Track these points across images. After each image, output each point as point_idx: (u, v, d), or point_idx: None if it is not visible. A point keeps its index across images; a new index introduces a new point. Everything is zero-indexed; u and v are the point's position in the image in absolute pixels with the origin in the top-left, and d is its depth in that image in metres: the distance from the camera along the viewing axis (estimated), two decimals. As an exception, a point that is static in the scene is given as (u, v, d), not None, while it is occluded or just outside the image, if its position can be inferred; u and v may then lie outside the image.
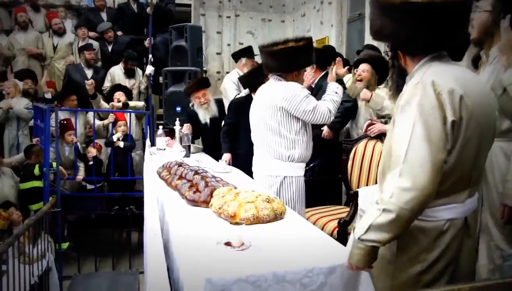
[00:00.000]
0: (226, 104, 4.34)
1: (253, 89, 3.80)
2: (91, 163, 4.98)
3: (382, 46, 4.46)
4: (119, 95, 5.39)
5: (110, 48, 6.36)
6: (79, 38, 6.33)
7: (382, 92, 3.53)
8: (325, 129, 3.71)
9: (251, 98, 3.47)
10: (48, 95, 5.66)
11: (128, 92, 5.55)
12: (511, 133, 2.13)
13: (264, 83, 3.57)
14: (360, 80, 3.56)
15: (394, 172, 1.38)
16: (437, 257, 1.49)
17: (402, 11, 1.42)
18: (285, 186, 2.72)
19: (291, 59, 2.68)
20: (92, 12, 6.75)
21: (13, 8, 6.30)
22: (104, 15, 6.69)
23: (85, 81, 5.28)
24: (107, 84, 5.94)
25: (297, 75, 2.78)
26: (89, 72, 5.93)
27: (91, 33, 6.42)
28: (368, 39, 5.23)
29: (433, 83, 1.38)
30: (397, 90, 1.61)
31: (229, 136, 3.86)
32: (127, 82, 5.90)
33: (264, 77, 3.55)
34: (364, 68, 3.57)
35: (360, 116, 3.69)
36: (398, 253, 1.53)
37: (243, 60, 5.19)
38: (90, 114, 5.39)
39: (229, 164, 3.78)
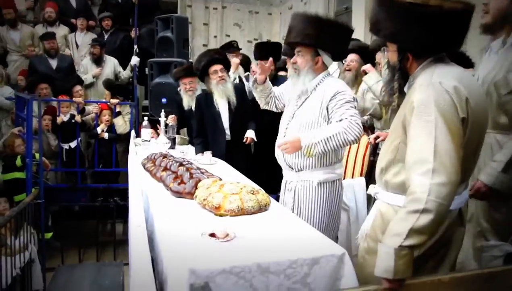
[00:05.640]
0: None
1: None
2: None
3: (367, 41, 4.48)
4: (80, 90, 5.39)
5: (106, 38, 6.24)
6: (78, 29, 6.18)
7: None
8: None
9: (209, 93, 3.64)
10: (22, 83, 5.57)
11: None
12: (507, 127, 2.15)
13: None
14: (349, 70, 3.60)
15: (424, 170, 1.38)
16: (432, 244, 1.54)
17: (411, 13, 1.48)
18: None
19: None
20: None
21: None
22: (73, 1, 6.52)
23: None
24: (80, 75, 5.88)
25: None
26: (53, 62, 5.76)
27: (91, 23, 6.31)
28: (354, 34, 5.25)
29: (441, 83, 1.46)
30: (400, 91, 1.65)
31: (200, 138, 3.81)
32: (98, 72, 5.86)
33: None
34: (352, 58, 3.61)
35: None
36: None
37: None
38: None
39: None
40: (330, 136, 2.20)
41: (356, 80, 3.56)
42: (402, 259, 1.33)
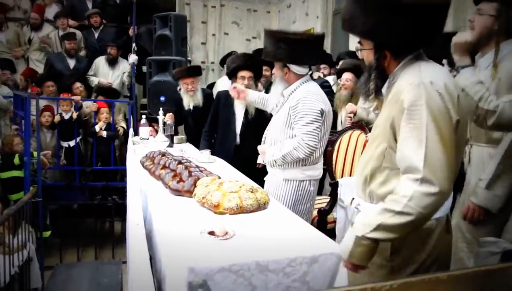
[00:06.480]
0: None
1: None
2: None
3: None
4: (80, 87, 5.42)
5: (96, 35, 6.23)
6: (59, 28, 6.16)
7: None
8: None
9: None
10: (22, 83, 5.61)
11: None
12: (499, 141, 2.14)
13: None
14: (346, 89, 3.63)
15: (414, 178, 1.32)
16: (427, 256, 1.48)
17: (388, 6, 1.39)
18: None
19: None
20: None
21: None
22: (89, 3, 6.55)
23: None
24: (90, 73, 5.89)
25: None
26: (71, 62, 5.82)
27: (71, 22, 6.26)
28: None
29: (432, 83, 1.36)
30: (376, 91, 1.56)
31: (209, 134, 3.78)
32: (111, 73, 5.84)
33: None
34: (347, 77, 3.68)
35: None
36: (393, 257, 1.50)
37: None
38: None
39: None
40: (285, 154, 2.46)
41: (351, 99, 3.58)
42: (360, 247, 1.36)
